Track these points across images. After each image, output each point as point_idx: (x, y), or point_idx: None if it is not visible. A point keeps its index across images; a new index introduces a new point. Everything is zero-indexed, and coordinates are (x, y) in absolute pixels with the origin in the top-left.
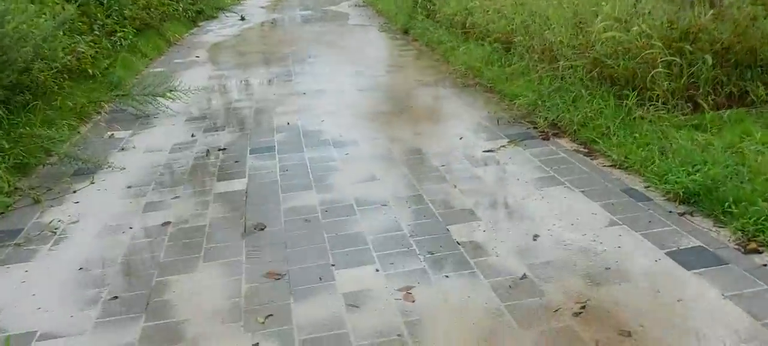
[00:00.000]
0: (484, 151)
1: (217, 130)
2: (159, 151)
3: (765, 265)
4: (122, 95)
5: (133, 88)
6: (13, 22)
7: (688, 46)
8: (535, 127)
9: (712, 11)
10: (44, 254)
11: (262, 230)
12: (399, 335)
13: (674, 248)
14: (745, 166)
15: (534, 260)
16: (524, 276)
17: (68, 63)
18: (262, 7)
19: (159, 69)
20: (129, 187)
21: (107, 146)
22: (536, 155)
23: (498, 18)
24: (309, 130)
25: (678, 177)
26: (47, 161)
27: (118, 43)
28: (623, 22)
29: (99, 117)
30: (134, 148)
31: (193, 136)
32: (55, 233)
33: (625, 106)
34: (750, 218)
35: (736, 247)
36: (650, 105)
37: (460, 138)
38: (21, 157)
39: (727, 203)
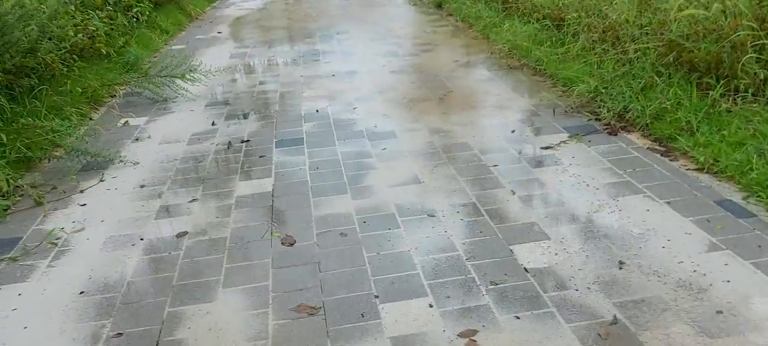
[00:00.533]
0: (542, 148)
1: (239, 118)
2: (176, 142)
3: None
4: (138, 78)
5: (151, 68)
6: None
7: None
8: (598, 119)
9: None
10: (42, 273)
11: (291, 245)
12: None
13: None
14: None
15: (624, 297)
16: (615, 320)
17: (80, 42)
18: None
19: (179, 46)
20: (142, 186)
21: (120, 136)
22: (604, 154)
23: None
24: (340, 118)
25: None
26: (53, 155)
27: (135, 18)
28: None
29: (113, 101)
30: (149, 139)
31: (213, 124)
32: (56, 244)
33: (710, 97)
34: None
35: None
36: (738, 96)
37: (512, 131)
38: (24, 151)
39: None
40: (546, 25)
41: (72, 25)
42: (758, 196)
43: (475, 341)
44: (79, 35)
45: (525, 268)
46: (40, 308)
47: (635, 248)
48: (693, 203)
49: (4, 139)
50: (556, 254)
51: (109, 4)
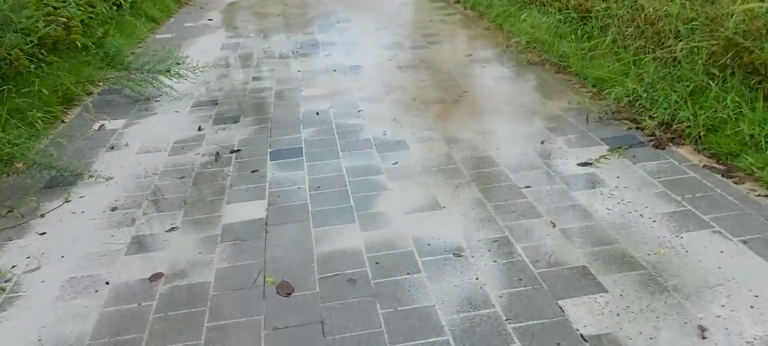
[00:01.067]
0: (579, 164)
1: (229, 122)
2: (157, 151)
3: None
4: (118, 73)
5: (133, 62)
6: None
7: None
8: (639, 128)
9: None
10: None
11: (288, 295)
12: None
13: None
14: None
15: None
16: None
17: (52, 34)
18: None
19: (166, 35)
20: (113, 209)
21: (93, 143)
22: (654, 173)
23: None
24: (343, 123)
25: None
26: (14, 169)
27: (116, 5)
28: None
29: (89, 100)
30: (126, 147)
31: (200, 129)
32: (5, 289)
33: None
34: None
35: None
36: None
37: (542, 141)
38: None
39: None
40: (569, 16)
41: (43, 14)
42: None
43: None
44: (52, 25)
45: (582, 335)
46: None
47: (716, 306)
48: None
49: None
50: (617, 315)
51: None
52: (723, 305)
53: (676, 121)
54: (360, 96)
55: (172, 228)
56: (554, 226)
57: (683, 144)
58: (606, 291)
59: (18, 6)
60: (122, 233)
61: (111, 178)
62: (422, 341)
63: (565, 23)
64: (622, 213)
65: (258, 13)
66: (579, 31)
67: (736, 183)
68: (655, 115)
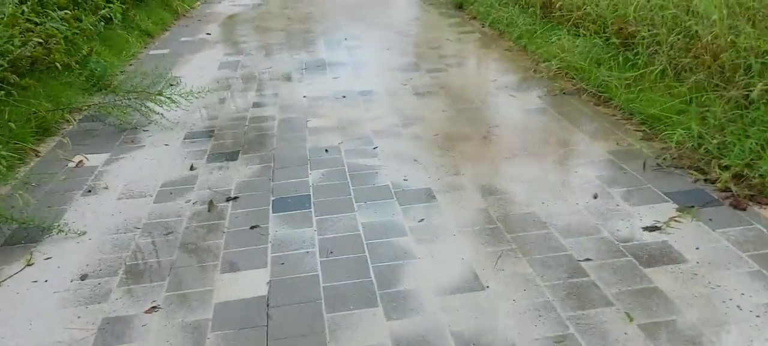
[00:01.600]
0: (646, 229)
1: (226, 158)
2: (141, 196)
3: None
4: (102, 98)
5: (122, 83)
6: None
7: None
8: (708, 180)
9: None
10: None
11: None
12: None
13: None
14: None
15: None
16: None
17: (32, 54)
18: None
19: (160, 51)
20: (83, 277)
21: (68, 185)
22: (739, 244)
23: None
24: (357, 164)
25: None
26: None
27: (103, 20)
28: None
29: (70, 128)
30: (106, 190)
31: (192, 168)
32: None
33: None
34: None
35: None
36: None
37: (595, 196)
38: None
39: None
40: (608, 40)
41: (20, 31)
42: None
43: None
44: (30, 43)
45: None
46: None
47: None
48: None
49: None
50: None
51: (77, 2)
52: None
53: (755, 173)
54: (374, 128)
55: (153, 307)
56: (631, 320)
57: (766, 203)
58: None
59: None
60: (91, 312)
61: (84, 232)
62: None
63: (601, 48)
64: (712, 303)
65: (259, 27)
66: (620, 58)
67: None
68: (728, 164)
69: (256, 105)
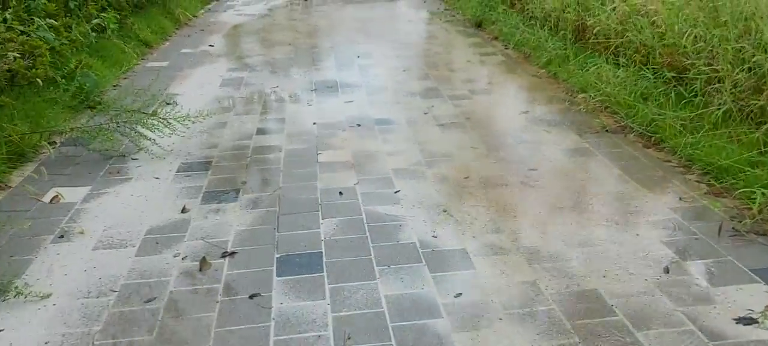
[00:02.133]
0: (737, 320)
1: (224, 198)
2: (121, 246)
3: None
4: (88, 120)
5: (115, 101)
6: None
7: None
8: None
9: None
10: None
11: None
12: None
13: None
14: None
15: None
16: None
17: (11, 67)
18: None
19: (158, 63)
20: None
21: (38, 227)
22: None
23: (645, 24)
24: (376, 212)
25: None
26: None
27: (95, 31)
28: None
29: (48, 155)
30: (81, 236)
31: (184, 210)
32: None
33: None
34: None
35: None
36: None
37: (666, 269)
38: None
39: None
40: (656, 72)
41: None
42: None
43: None
44: (7, 57)
45: None
46: None
47: None
48: None
49: None
50: None
51: (70, 9)
52: None
53: None
54: (394, 166)
55: None
56: None
57: None
58: None
59: None
60: None
61: (48, 296)
62: None
63: (650, 81)
64: None
65: (265, 40)
66: (672, 94)
67: None
68: None
69: (260, 132)
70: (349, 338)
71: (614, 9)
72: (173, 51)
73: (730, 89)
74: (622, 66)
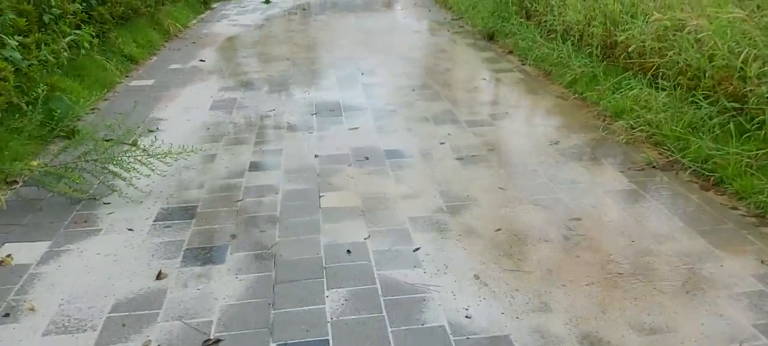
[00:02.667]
0: None
1: (209, 257)
2: (79, 329)
3: None
4: (54, 157)
5: (87, 130)
6: None
7: None
8: None
9: None
10: None
11: None
12: None
13: None
14: None
15: None
16: None
17: None
18: None
19: (144, 82)
20: None
21: None
22: None
23: (689, 42)
24: (394, 280)
25: None
26: None
27: (65, 50)
28: None
29: (3, 199)
30: (31, 314)
31: (159, 275)
32: None
33: None
34: None
35: None
36: None
37: None
38: None
39: None
40: (709, 98)
41: None
42: None
43: None
44: None
45: None
46: None
47: None
48: None
49: None
50: None
51: (44, 24)
52: None
53: None
54: (411, 213)
55: None
56: None
57: None
58: None
59: None
60: None
61: None
62: None
63: (701, 109)
64: None
65: (260, 54)
66: (730, 125)
67: None
68: None
69: (253, 167)
70: None
71: (647, 22)
72: (160, 67)
73: None
74: (664, 89)
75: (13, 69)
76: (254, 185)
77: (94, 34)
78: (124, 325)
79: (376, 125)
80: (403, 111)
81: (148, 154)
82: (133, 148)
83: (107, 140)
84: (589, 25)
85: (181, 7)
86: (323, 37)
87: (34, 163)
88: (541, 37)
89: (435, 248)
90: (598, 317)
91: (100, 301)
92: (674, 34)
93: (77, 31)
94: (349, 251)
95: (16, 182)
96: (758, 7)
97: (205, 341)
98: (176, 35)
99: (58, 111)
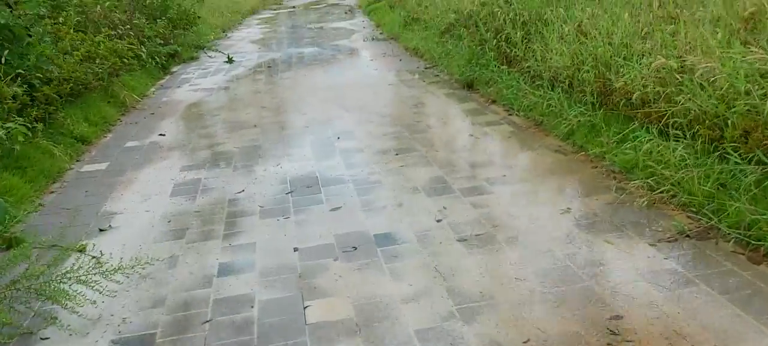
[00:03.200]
0: None
1: None
2: None
3: None
4: None
5: (31, 238)
6: None
7: None
8: None
9: None
10: None
11: None
12: None
13: None
14: None
15: None
16: None
17: None
18: (254, 43)
19: (96, 166)
20: None
21: None
22: None
23: (702, 88)
24: None
25: None
26: None
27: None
28: None
29: None
30: None
31: None
32: None
33: None
34: None
35: None
36: None
37: None
38: None
39: None
40: (739, 151)
41: None
42: None
43: None
44: None
45: None
46: None
47: None
48: None
49: None
50: None
51: None
52: None
53: None
54: (416, 325)
55: None
56: None
57: None
58: None
59: None
60: None
61: None
62: None
63: (728, 163)
64: None
65: (226, 122)
66: (765, 183)
67: None
68: None
69: (223, 271)
70: None
71: (642, 64)
72: (116, 146)
73: None
74: (677, 139)
75: None
76: (225, 296)
77: (37, 118)
78: None
79: (361, 201)
80: (388, 180)
81: (95, 273)
82: (81, 255)
83: (52, 246)
84: (579, 70)
85: (138, 75)
86: (292, 97)
87: None
88: (525, 84)
89: None
90: None
91: None
92: (681, 77)
93: (9, 125)
94: None
95: None
96: None
97: None
98: (133, 106)
99: None
